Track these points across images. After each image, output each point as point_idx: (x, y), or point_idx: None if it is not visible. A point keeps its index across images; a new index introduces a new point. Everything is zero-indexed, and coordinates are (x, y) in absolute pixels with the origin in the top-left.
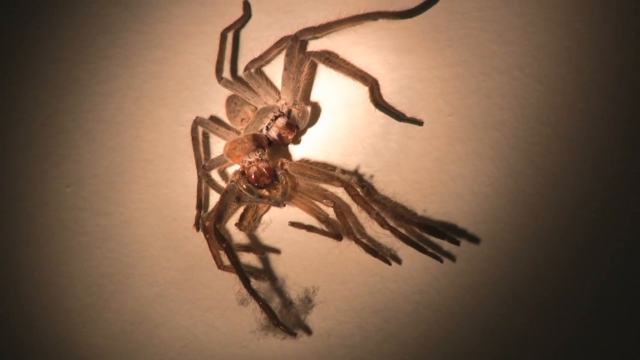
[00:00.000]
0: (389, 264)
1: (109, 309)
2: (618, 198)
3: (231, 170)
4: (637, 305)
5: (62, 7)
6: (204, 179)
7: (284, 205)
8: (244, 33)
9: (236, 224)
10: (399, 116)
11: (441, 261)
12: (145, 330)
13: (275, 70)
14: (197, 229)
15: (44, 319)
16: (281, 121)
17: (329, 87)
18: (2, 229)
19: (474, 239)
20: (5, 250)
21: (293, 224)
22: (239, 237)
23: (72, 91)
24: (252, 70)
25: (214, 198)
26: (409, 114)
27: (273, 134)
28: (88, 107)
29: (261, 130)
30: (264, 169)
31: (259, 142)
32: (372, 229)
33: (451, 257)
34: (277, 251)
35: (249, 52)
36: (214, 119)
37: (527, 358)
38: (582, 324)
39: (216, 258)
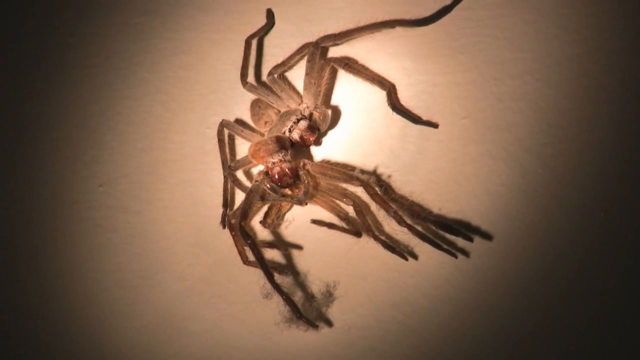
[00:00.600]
0: (406, 259)
1: (139, 302)
2: (624, 197)
3: (255, 170)
4: None
5: (94, 16)
6: (230, 178)
7: (306, 204)
8: (268, 40)
9: (260, 222)
10: (415, 119)
11: (456, 257)
12: (174, 323)
13: (297, 75)
14: (223, 227)
15: (77, 311)
16: (303, 124)
17: (348, 91)
18: (38, 227)
19: (487, 236)
20: (40, 246)
21: (315, 222)
22: (263, 234)
23: (103, 95)
24: (276, 76)
25: (239, 197)
26: (425, 117)
27: (295, 136)
28: (119, 110)
29: (284, 133)
30: (286, 169)
31: (282, 143)
32: (390, 226)
33: (465, 254)
34: (299, 247)
35: (272, 58)
36: (239, 122)
37: (540, 350)
38: (593, 321)
39: (241, 254)
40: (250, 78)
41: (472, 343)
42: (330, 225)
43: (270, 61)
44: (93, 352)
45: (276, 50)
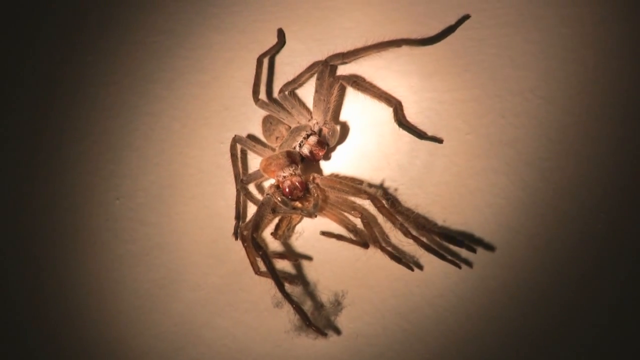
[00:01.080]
0: (412, 269)
1: (156, 311)
2: (622, 209)
3: (267, 184)
4: None
5: (113, 36)
6: (242, 192)
7: (316, 216)
8: (279, 59)
9: (272, 234)
10: (420, 135)
11: (459, 267)
12: (189, 331)
13: (307, 92)
14: (236, 238)
15: (97, 320)
16: (313, 139)
17: (356, 108)
18: (57, 239)
19: (489, 247)
20: (60, 257)
21: (324, 233)
22: (274, 245)
23: (121, 112)
24: (286, 93)
25: (251, 210)
26: (430, 133)
27: (305, 150)
28: (136, 126)
29: (294, 148)
30: (297, 183)
31: (292, 158)
32: (397, 237)
33: (469, 264)
34: (309, 258)
35: (283, 76)
36: (251, 137)
37: (541, 358)
38: (592, 328)
39: (253, 264)
40: (262, 95)
41: (476, 351)
42: (339, 237)
43: (281, 79)
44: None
45: (287, 68)
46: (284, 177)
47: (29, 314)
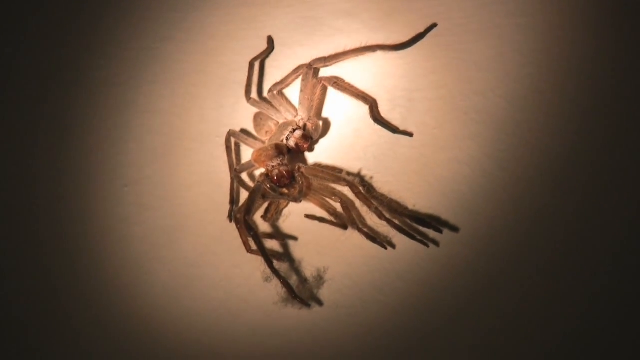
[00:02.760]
0: (386, 248)
1: (157, 285)
2: (569, 193)
3: (258, 173)
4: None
5: (121, 42)
6: (236, 180)
7: (301, 201)
8: (268, 62)
9: (262, 216)
10: (393, 129)
11: (427, 246)
12: (186, 303)
13: (293, 92)
14: (230, 221)
15: (103, 291)
16: (298, 133)
17: (337, 105)
18: (71, 222)
19: (454, 229)
20: (73, 239)
21: (308, 216)
22: (264, 227)
23: (127, 109)
24: (275, 92)
25: (244, 195)
26: (401, 128)
27: (292, 143)
28: (141, 122)
29: (282, 141)
30: (284, 172)
31: (280, 150)
32: (372, 220)
33: (436, 243)
34: (294, 238)
35: (271, 77)
36: (244, 132)
37: (497, 323)
38: (546, 295)
39: (245, 244)
40: (253, 94)
41: (441, 318)
42: (321, 219)
43: (270, 80)
44: (121, 333)
45: (275, 70)
46: (273, 166)
47: (40, 289)
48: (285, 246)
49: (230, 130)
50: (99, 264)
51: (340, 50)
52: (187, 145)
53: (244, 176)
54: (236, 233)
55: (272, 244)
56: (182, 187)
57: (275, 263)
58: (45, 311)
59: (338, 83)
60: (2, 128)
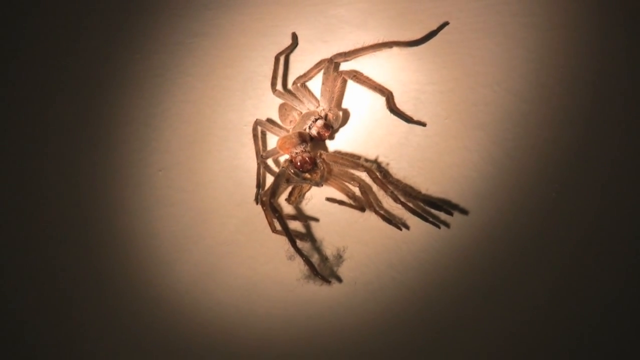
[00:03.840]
0: (400, 229)
1: (188, 262)
2: (572, 180)
3: (282, 159)
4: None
5: (157, 37)
6: (262, 165)
7: (322, 185)
8: (292, 57)
9: (286, 199)
10: (407, 119)
11: (439, 227)
12: (216, 279)
13: (315, 84)
14: (257, 203)
15: (138, 267)
16: (320, 122)
17: (356, 97)
18: (111, 204)
19: (464, 212)
20: (114, 219)
21: (328, 199)
22: (287, 209)
23: (164, 100)
24: (299, 85)
25: (269, 180)
26: (415, 118)
27: (314, 132)
28: (175, 112)
29: (305, 129)
30: (307, 158)
31: (303, 138)
32: (388, 203)
33: (446, 225)
34: (316, 220)
35: (296, 71)
36: (270, 121)
37: (504, 300)
38: (551, 274)
39: (271, 224)
40: (279, 86)
41: (452, 295)
42: (341, 202)
43: (294, 73)
44: (157, 306)
45: (299, 64)
46: (297, 153)
47: (81, 263)
48: (307, 227)
49: (257, 119)
50: (134, 241)
51: (359, 46)
52: (217, 133)
53: (270, 162)
54: (262, 215)
55: (295, 225)
56: (213, 171)
57: (298, 242)
58: (90, 288)
59: (357, 76)
60: (55, 118)
